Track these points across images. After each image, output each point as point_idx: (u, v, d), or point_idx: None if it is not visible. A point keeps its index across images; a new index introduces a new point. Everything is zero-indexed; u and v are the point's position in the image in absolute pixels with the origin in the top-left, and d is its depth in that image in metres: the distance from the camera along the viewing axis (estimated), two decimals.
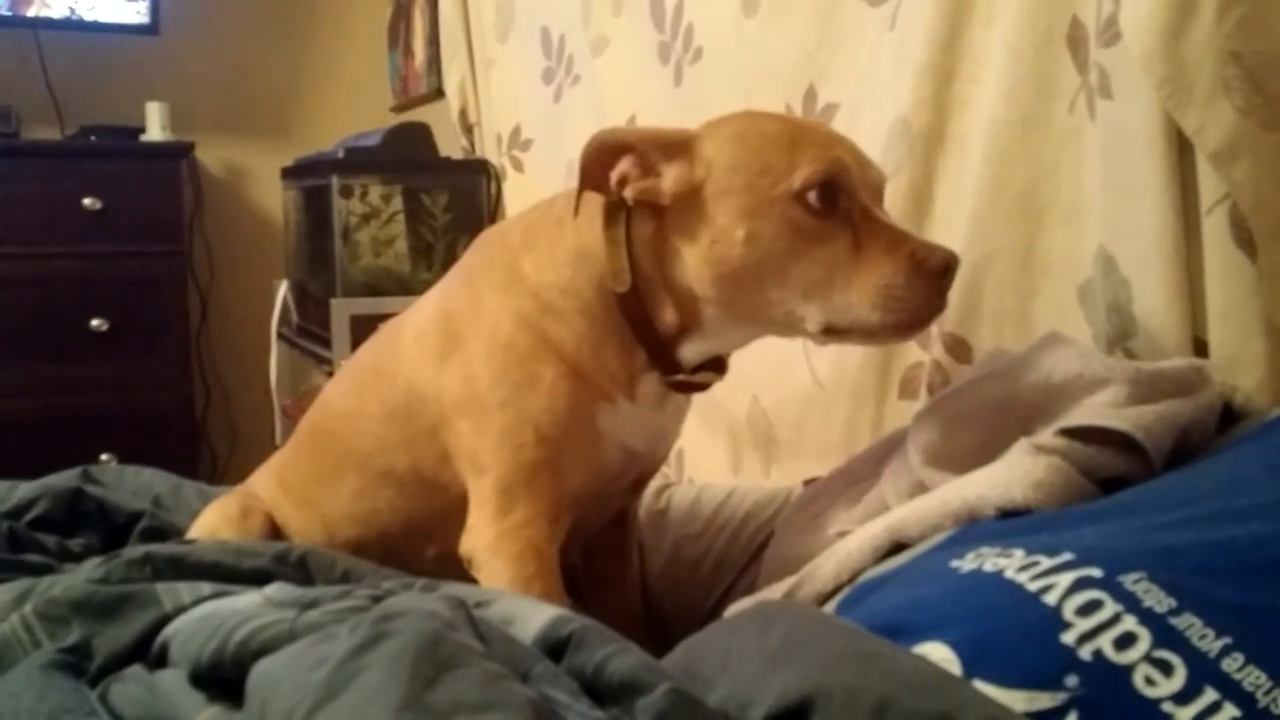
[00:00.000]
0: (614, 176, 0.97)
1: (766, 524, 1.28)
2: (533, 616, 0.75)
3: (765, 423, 1.61)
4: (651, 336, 1.01)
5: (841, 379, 1.44)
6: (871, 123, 1.37)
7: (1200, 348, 1.01)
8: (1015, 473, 0.85)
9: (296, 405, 2.92)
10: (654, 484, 1.36)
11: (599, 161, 0.97)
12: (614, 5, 1.97)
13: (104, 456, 2.88)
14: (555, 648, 0.71)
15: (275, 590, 0.84)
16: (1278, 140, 0.93)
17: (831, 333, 0.95)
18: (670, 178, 0.96)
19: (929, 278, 0.90)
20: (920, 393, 1.33)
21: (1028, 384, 0.95)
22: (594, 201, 1.00)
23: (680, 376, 1.04)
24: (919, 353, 1.34)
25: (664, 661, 0.69)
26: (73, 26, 3.21)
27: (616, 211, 0.99)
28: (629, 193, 0.97)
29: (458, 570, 1.03)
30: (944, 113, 1.29)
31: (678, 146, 0.97)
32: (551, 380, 1.01)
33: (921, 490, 0.98)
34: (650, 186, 0.96)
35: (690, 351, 1.03)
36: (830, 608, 0.86)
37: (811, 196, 0.92)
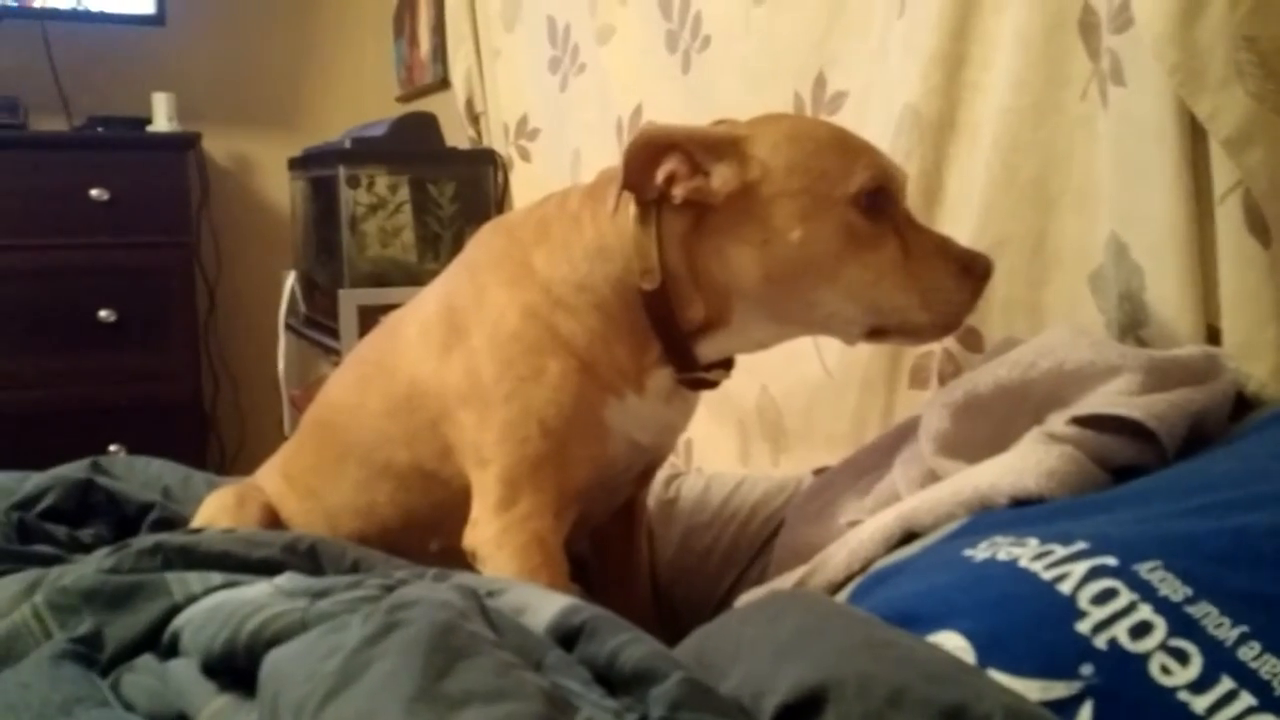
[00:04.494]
0: (660, 175, 0.96)
1: (776, 513, 1.28)
2: (544, 606, 0.75)
3: (774, 412, 1.60)
4: (673, 333, 1.01)
5: (851, 368, 1.44)
6: (881, 110, 1.36)
7: (1213, 335, 1.00)
8: (1028, 461, 0.85)
9: (305, 395, 2.92)
10: (663, 473, 1.36)
11: (643, 159, 0.96)
12: None
13: (112, 447, 2.88)
14: (567, 637, 0.71)
15: (286, 580, 0.84)
16: None
17: (875, 334, 0.99)
18: (720, 177, 0.96)
19: (975, 281, 0.96)
20: (931, 382, 1.33)
21: (1040, 372, 0.94)
22: (611, 199, 0.99)
23: (695, 374, 1.04)
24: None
25: (676, 651, 0.69)
26: (79, 18, 3.21)
27: (649, 209, 0.99)
28: (679, 191, 0.96)
29: (461, 563, 1.02)
30: (954, 100, 1.28)
31: (726, 146, 0.96)
32: (558, 373, 1.01)
33: (933, 479, 0.97)
34: (700, 186, 0.96)
35: (709, 349, 1.03)
36: (842, 597, 0.86)
37: (865, 201, 0.95)
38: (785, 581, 0.98)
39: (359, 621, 0.66)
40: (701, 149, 0.96)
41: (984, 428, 0.96)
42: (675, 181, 0.96)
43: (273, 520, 1.26)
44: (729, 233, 0.97)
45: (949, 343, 1.29)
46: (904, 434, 1.11)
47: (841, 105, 1.46)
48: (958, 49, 1.26)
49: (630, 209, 0.99)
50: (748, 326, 1.01)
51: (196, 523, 1.26)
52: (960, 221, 1.25)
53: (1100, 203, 1.11)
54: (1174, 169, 1.00)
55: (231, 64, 3.54)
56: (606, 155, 1.95)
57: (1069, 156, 1.15)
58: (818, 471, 1.29)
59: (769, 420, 1.62)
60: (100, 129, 3.14)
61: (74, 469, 1.46)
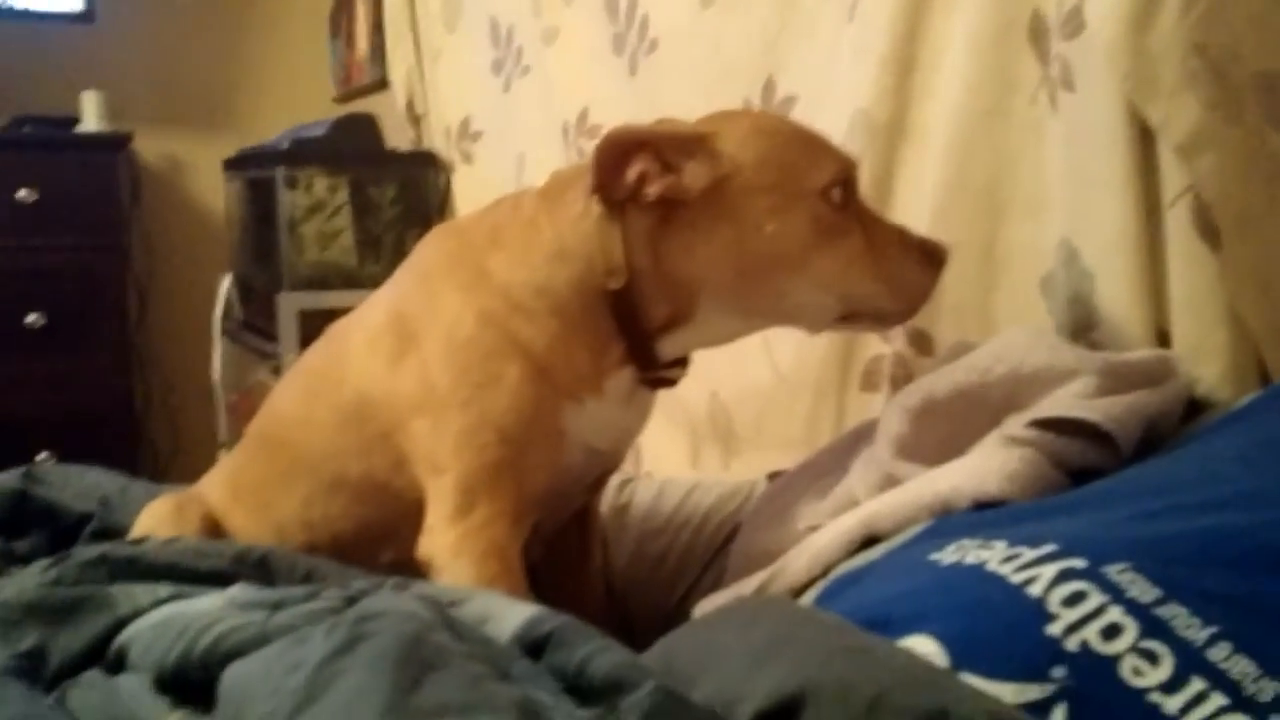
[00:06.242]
0: (632, 174, 0.96)
1: (730, 518, 1.28)
2: (509, 615, 0.73)
3: (725, 416, 1.60)
4: (638, 331, 1.00)
5: (802, 372, 1.44)
6: (831, 114, 1.36)
7: (1163, 338, 1.01)
8: (989, 464, 0.85)
9: (242, 401, 2.87)
10: (615, 479, 1.34)
11: (613, 160, 0.96)
12: None
13: (41, 455, 2.81)
14: (533, 646, 0.70)
15: (239, 591, 0.81)
16: (1241, 134, 0.94)
17: (843, 320, 1.01)
18: (692, 174, 0.96)
19: (936, 267, 1.00)
20: (882, 385, 1.33)
21: (997, 376, 0.95)
22: (575, 201, 0.99)
23: (656, 372, 1.03)
24: (880, 345, 1.34)
25: (643, 659, 0.68)
26: (5, 15, 3.13)
27: (614, 209, 0.98)
28: (652, 190, 0.96)
29: (411, 574, 1.00)
30: (905, 104, 1.29)
31: (695, 143, 0.97)
32: (516, 379, 1.00)
33: (892, 483, 0.98)
34: (672, 183, 0.96)
35: (670, 346, 1.03)
36: (805, 601, 0.85)
37: (835, 193, 0.97)
38: (746, 586, 0.97)
39: (322, 634, 0.64)
40: (671, 147, 0.96)
41: (942, 431, 0.96)
42: (647, 180, 0.96)
43: (213, 530, 1.22)
44: (699, 229, 0.97)
45: (899, 345, 1.30)
46: (860, 437, 1.11)
47: (792, 109, 1.46)
48: (908, 52, 1.27)
49: (594, 209, 0.99)
50: (711, 321, 1.01)
51: (135, 533, 1.22)
52: (911, 225, 1.25)
53: (1051, 207, 1.13)
54: (1124, 174, 1.01)
55: (163, 63, 3.46)
56: (552, 158, 1.94)
57: (1019, 161, 1.17)
58: (772, 476, 1.29)
59: (720, 424, 1.62)
60: (27, 128, 3.05)
61: (6, 478, 1.41)
